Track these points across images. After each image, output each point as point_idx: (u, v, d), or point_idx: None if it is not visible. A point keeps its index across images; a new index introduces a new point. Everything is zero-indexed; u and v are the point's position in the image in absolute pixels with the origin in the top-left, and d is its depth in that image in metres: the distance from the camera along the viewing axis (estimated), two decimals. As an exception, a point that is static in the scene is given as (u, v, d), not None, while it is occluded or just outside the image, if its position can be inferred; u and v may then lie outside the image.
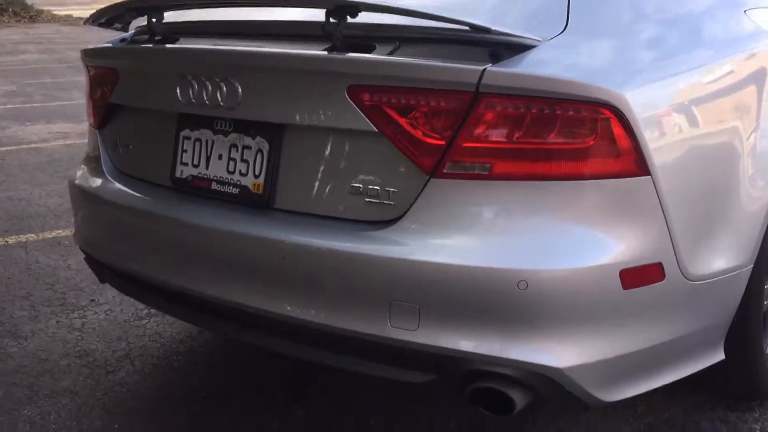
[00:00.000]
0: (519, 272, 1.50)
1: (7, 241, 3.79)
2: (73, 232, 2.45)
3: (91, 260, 2.30)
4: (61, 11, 23.73)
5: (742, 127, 1.82)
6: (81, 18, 20.87)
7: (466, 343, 1.55)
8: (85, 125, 2.48)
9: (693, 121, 1.70)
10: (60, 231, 3.92)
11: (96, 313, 2.94)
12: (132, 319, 2.88)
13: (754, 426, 2.12)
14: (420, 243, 1.57)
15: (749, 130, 1.83)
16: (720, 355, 1.88)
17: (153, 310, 2.92)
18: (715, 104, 1.78)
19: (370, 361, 1.70)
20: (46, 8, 23.13)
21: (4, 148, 5.92)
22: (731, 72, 1.85)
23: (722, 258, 1.76)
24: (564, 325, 1.54)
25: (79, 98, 8.44)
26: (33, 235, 3.88)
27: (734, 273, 1.80)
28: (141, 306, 2.96)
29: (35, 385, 2.42)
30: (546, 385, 1.58)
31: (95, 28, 2.28)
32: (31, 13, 22.04)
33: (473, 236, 1.55)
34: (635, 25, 1.75)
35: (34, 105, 8.05)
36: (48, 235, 3.88)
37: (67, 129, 6.63)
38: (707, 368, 1.99)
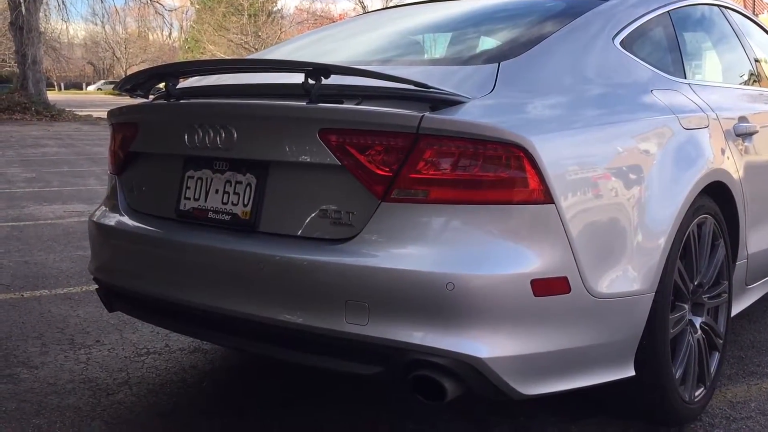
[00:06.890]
0: (447, 275, 1.86)
1: (22, 295, 4.14)
2: (88, 266, 2.82)
3: (101, 289, 2.68)
4: (82, 111, 24.76)
5: (633, 177, 2.20)
6: (101, 118, 21.82)
7: (407, 334, 1.89)
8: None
9: (591, 167, 2.09)
10: (71, 288, 4.28)
11: (100, 351, 3.27)
12: (132, 356, 3.21)
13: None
14: (371, 253, 1.94)
15: (639, 181, 2.21)
16: (630, 371, 2.19)
17: (152, 349, 3.27)
18: (611, 155, 2.17)
19: (328, 356, 2.03)
20: (67, 108, 24.18)
21: (22, 223, 6.36)
22: (627, 132, 2.26)
23: (624, 282, 2.11)
24: (485, 322, 1.88)
25: (94, 184, 8.94)
26: (46, 291, 4.24)
27: (636, 296, 2.14)
28: (141, 346, 3.31)
29: (43, 401, 2.73)
30: (472, 374, 1.90)
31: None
32: (53, 113, 22.90)
33: (414, 247, 1.91)
34: (549, 91, 2.19)
35: (52, 189, 8.55)
36: (60, 291, 4.24)
37: (81, 209, 7.08)
38: (630, 394, 2.32)
